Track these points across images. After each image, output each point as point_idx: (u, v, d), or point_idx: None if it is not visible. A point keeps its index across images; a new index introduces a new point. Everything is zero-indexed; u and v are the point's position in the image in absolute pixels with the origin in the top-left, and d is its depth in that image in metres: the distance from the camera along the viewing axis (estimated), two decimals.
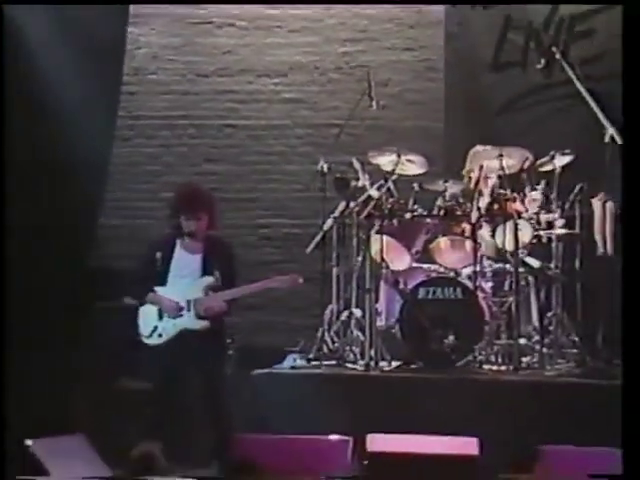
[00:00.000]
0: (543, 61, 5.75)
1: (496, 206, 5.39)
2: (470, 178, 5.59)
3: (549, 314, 5.38)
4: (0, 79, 5.38)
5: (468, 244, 5.36)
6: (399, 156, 5.50)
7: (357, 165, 5.61)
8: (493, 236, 5.45)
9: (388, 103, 6.55)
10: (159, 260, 4.93)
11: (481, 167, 5.48)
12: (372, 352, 5.21)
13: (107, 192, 6.40)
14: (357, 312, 5.44)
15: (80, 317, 5.93)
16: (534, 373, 5.14)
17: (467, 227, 5.40)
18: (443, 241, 5.43)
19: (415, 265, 5.47)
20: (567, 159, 5.48)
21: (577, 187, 5.41)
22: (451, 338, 5.10)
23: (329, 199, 5.59)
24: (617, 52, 5.78)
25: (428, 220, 5.46)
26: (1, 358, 4.67)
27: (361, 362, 5.24)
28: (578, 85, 5.41)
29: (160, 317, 4.95)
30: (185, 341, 4.91)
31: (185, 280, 4.95)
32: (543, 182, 5.48)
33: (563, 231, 5.41)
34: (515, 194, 5.42)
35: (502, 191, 5.41)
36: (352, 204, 5.48)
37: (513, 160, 5.48)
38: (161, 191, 6.82)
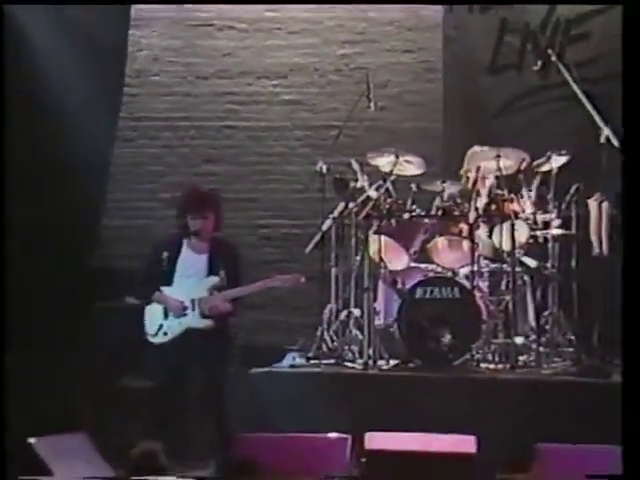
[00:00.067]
0: (539, 63, 5.78)
1: (493, 206, 5.41)
2: (468, 179, 5.60)
3: (545, 313, 5.41)
4: (0, 79, 5.38)
5: (465, 244, 5.38)
6: (397, 157, 5.52)
7: (356, 166, 5.64)
8: (490, 236, 5.48)
9: (387, 104, 6.59)
10: (166, 260, 4.96)
11: (478, 168, 5.50)
12: (370, 351, 5.24)
13: (110, 192, 6.44)
14: (356, 311, 5.46)
15: (81, 317, 5.95)
16: (531, 372, 5.16)
17: (464, 227, 5.42)
18: (441, 241, 5.45)
19: (413, 265, 5.50)
20: (563, 160, 5.50)
21: (573, 188, 5.44)
22: (448, 337, 5.12)
23: (328, 199, 5.62)
24: (612, 54, 5.87)
25: (426, 220, 5.48)
26: (1, 358, 4.66)
27: (360, 361, 5.26)
28: (574, 87, 5.44)
29: (166, 316, 4.99)
30: (190, 340, 4.94)
31: (191, 280, 4.99)
32: (536, 181, 5.52)
33: (559, 231, 5.44)
34: (512, 195, 5.45)
35: (499, 191, 5.43)
36: (351, 204, 5.50)
37: (510, 161, 5.50)
38: (163, 191, 6.87)
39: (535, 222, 5.47)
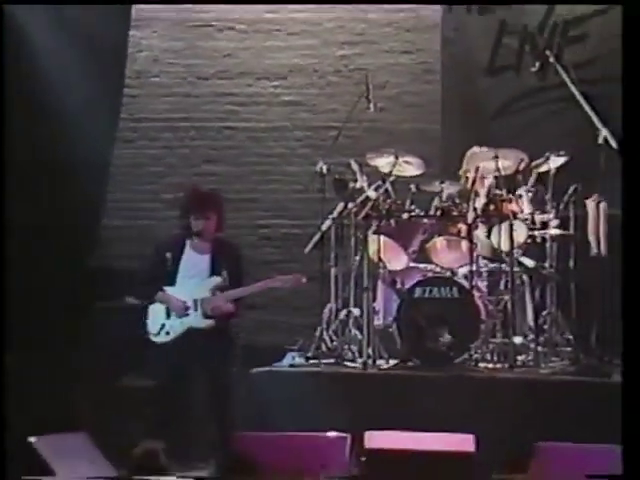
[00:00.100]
0: (537, 65, 5.81)
1: (492, 207, 5.43)
2: (467, 179, 5.63)
3: (544, 313, 5.43)
4: (0, 79, 5.39)
5: (464, 244, 5.40)
6: (396, 158, 5.54)
7: (355, 167, 5.66)
8: (489, 236, 5.50)
9: (386, 105, 6.60)
10: (169, 260, 4.98)
11: (477, 168, 5.52)
12: (370, 350, 5.26)
13: (110, 193, 6.45)
14: (355, 311, 5.48)
15: (81, 317, 5.95)
16: (529, 371, 5.19)
17: (463, 227, 5.43)
18: (439, 241, 5.47)
19: (412, 265, 5.52)
20: (561, 161, 5.51)
21: (571, 188, 5.45)
22: (447, 337, 5.14)
23: (328, 200, 5.63)
24: (610, 56, 5.90)
25: (425, 220, 5.50)
26: (1, 358, 4.67)
27: (359, 360, 5.28)
28: (572, 88, 5.47)
29: (168, 316, 5.00)
30: (191, 339, 4.96)
31: (193, 280, 5.01)
32: (534, 181, 5.54)
33: (557, 231, 5.46)
34: (510, 195, 5.47)
35: (498, 192, 5.46)
36: (350, 205, 5.52)
37: (508, 161, 5.52)
38: (164, 192, 6.89)
39: (533, 222, 5.49)
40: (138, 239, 6.56)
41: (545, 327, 5.39)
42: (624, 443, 3.45)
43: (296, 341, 5.61)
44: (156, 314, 5.04)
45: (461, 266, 5.44)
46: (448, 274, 5.44)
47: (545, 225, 5.50)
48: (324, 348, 5.42)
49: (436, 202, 5.56)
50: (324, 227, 5.54)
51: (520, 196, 5.52)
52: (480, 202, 5.52)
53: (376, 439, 4.12)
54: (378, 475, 4.03)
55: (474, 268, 5.34)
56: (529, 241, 5.48)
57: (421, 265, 5.53)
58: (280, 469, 3.91)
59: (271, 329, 6.58)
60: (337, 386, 5.05)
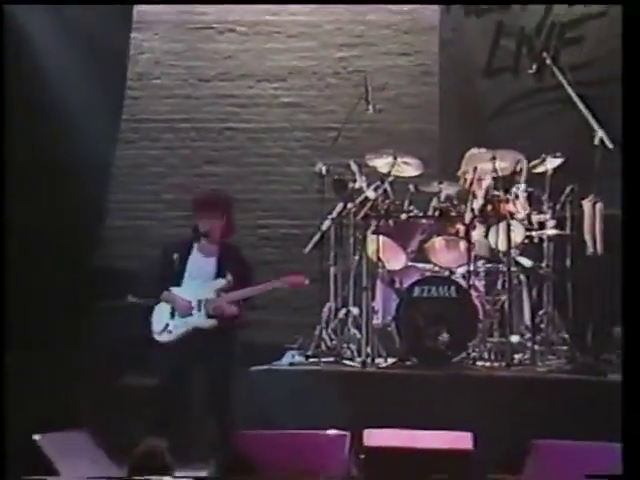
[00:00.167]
0: (534, 66, 5.84)
1: (489, 207, 5.45)
2: (465, 180, 5.66)
3: (540, 312, 5.45)
4: (0, 79, 5.40)
5: (462, 244, 5.42)
6: (395, 158, 5.56)
7: (354, 167, 5.67)
8: (486, 236, 5.51)
9: (384, 107, 6.60)
10: (177, 261, 5.00)
11: (475, 169, 5.55)
12: (369, 349, 5.28)
13: (112, 193, 6.47)
14: (354, 310, 5.50)
15: (81, 317, 5.97)
16: (526, 369, 5.21)
17: (461, 227, 5.45)
18: (438, 241, 5.49)
19: (410, 264, 5.54)
20: (558, 161, 5.53)
21: (568, 189, 5.47)
22: (445, 335, 5.14)
23: (327, 200, 5.65)
24: (607, 57, 5.95)
25: (423, 221, 5.52)
26: (1, 358, 4.69)
27: (358, 359, 5.30)
28: (568, 90, 5.50)
29: (172, 315, 5.02)
30: (194, 339, 4.97)
31: (198, 281, 5.02)
32: (531, 182, 5.59)
33: (554, 231, 5.48)
34: (508, 196, 5.50)
35: (495, 192, 5.49)
36: (349, 205, 5.53)
37: (506, 162, 5.54)
38: (165, 193, 6.92)
39: (530, 222, 5.51)
40: (139, 239, 6.59)
41: (542, 326, 5.41)
42: (624, 441, 3.46)
43: (296, 340, 5.63)
44: (161, 313, 5.05)
45: (459, 266, 5.46)
46: (446, 274, 5.46)
47: (542, 225, 5.52)
48: (323, 347, 5.44)
49: (434, 202, 5.58)
50: (324, 227, 5.54)
51: (517, 197, 5.54)
52: (478, 203, 5.53)
53: (375, 437, 4.13)
54: (377, 473, 4.04)
55: (472, 268, 5.35)
56: (526, 241, 5.51)
57: (419, 265, 5.56)
58: (280, 467, 3.91)
59: (271, 328, 6.60)
60: (336, 384, 5.05)
